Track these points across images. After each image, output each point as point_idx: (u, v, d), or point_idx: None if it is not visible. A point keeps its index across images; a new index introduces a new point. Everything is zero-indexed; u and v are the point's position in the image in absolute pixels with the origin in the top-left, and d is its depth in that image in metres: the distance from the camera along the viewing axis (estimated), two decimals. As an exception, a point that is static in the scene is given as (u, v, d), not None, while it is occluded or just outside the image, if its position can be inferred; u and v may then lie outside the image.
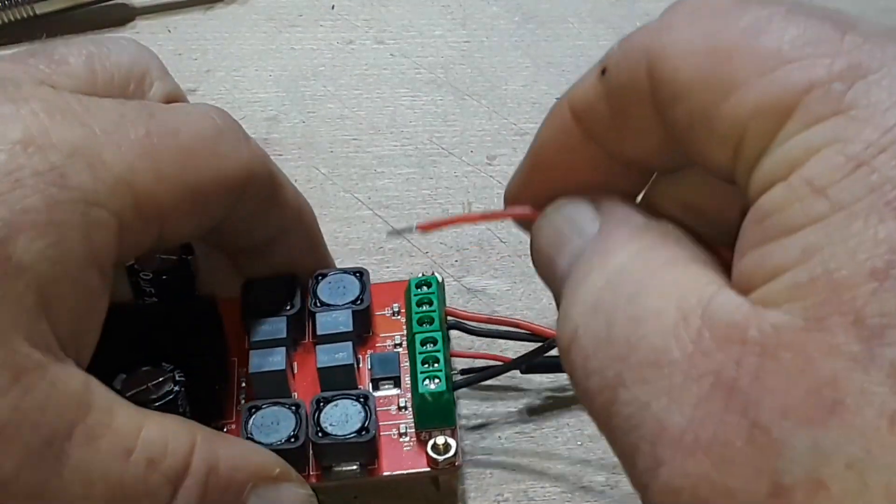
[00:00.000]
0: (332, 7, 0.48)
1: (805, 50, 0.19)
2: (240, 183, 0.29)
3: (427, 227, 0.27)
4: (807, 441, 0.17)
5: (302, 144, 0.42)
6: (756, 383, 0.17)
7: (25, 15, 0.45)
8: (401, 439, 0.31)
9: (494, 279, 0.38)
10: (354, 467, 0.30)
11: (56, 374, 0.24)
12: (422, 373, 0.31)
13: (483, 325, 0.34)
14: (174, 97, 0.30)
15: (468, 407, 0.35)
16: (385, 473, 0.31)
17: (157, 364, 0.29)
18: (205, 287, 0.32)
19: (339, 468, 0.30)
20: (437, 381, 0.31)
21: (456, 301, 0.37)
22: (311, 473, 0.30)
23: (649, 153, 0.23)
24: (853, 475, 0.16)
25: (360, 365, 0.32)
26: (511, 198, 0.26)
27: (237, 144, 0.29)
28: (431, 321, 0.32)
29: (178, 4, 0.47)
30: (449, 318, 0.33)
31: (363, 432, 0.30)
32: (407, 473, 0.31)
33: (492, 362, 0.34)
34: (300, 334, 0.33)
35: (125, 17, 0.47)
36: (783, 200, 0.18)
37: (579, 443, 0.34)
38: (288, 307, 0.32)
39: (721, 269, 0.21)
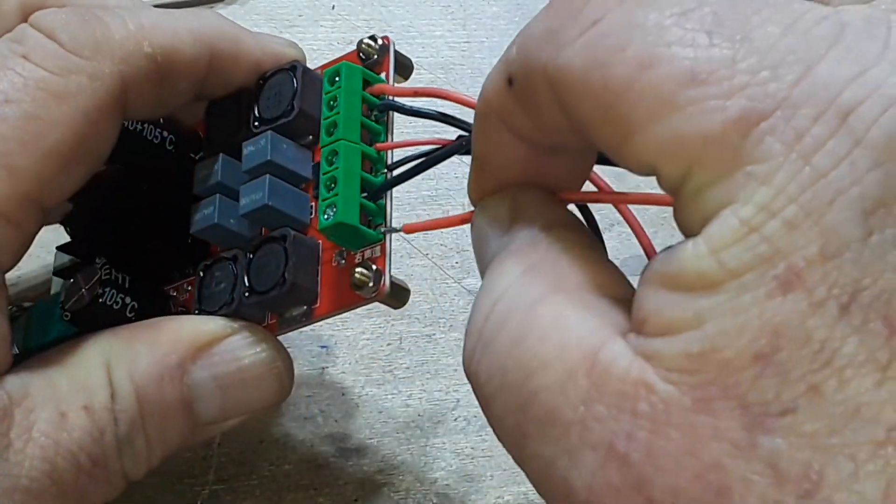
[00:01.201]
0: (333, 7, 0.47)
1: (696, 91, 0.18)
2: (112, 102, 0.26)
3: (411, 230, 0.27)
4: None
5: (302, 145, 0.42)
6: (648, 460, 0.17)
7: (25, 15, 0.45)
8: (338, 267, 0.28)
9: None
10: (301, 311, 0.28)
11: None
12: (323, 200, 0.27)
13: (415, 102, 0.30)
14: (33, 2, 0.27)
15: (470, 403, 0.35)
16: (322, 314, 0.28)
17: (89, 262, 0.28)
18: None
19: (289, 314, 0.29)
20: (333, 208, 0.27)
21: (457, 303, 0.37)
22: (269, 323, 0.29)
23: (574, 144, 0.22)
24: None
25: (310, 178, 0.29)
26: (471, 199, 0.25)
27: (94, 60, 0.25)
28: (334, 127, 0.28)
29: (178, 5, 0.47)
30: (381, 97, 0.29)
31: (280, 285, 0.27)
32: (343, 310, 0.28)
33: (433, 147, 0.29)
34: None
35: (125, 16, 0.47)
36: (688, 254, 0.18)
37: (580, 445, 0.34)
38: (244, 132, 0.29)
39: (618, 286, 0.21)
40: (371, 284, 0.27)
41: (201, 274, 0.29)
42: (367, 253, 0.28)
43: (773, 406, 0.17)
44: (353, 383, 0.36)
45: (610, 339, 0.19)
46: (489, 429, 0.35)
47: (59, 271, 0.32)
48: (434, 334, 0.37)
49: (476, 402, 0.35)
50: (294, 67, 0.29)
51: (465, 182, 0.41)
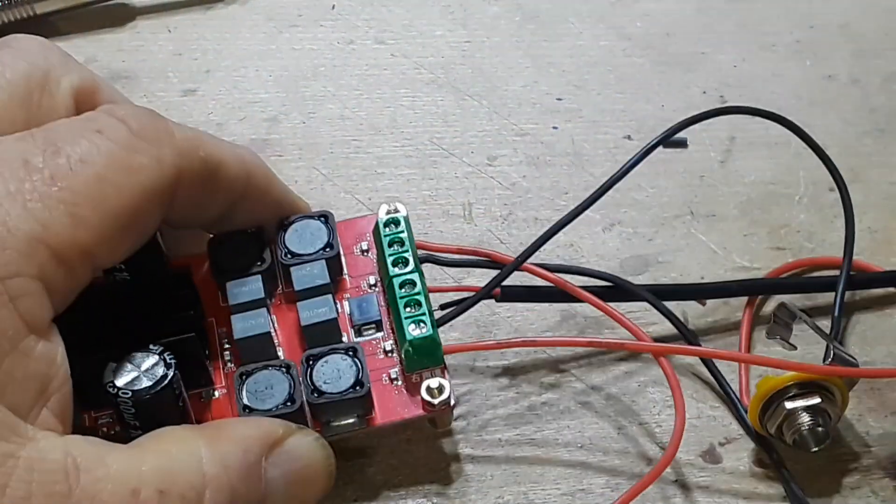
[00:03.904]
0: (333, 7, 0.47)
1: None
2: (168, 187, 0.28)
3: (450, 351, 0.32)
4: None
5: (302, 145, 0.42)
6: None
7: (25, 15, 0.45)
8: (392, 385, 0.31)
9: (495, 280, 0.38)
10: (352, 420, 0.31)
11: (30, 455, 0.24)
12: (406, 318, 0.31)
13: (454, 256, 0.34)
14: (86, 88, 0.29)
15: (471, 404, 0.35)
16: (382, 423, 0.31)
17: (143, 347, 0.29)
18: (172, 248, 0.32)
19: (338, 423, 0.31)
20: (423, 325, 0.31)
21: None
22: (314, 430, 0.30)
23: None
24: None
25: (340, 311, 0.32)
26: None
27: (157, 147, 0.28)
28: (406, 262, 0.32)
29: (178, 4, 0.47)
30: (420, 251, 0.33)
31: (358, 387, 0.30)
32: (403, 420, 0.31)
33: (468, 294, 0.33)
34: (273, 287, 0.33)
35: (125, 17, 0.47)
36: None
37: (580, 445, 0.34)
38: (259, 262, 0.32)
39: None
40: (443, 399, 0.31)
41: (242, 378, 0.30)
42: (425, 374, 0.31)
43: None
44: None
45: None
46: (489, 428, 0.35)
47: None
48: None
49: (476, 403, 0.35)
50: (326, 216, 0.33)
51: (464, 182, 0.42)
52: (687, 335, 0.36)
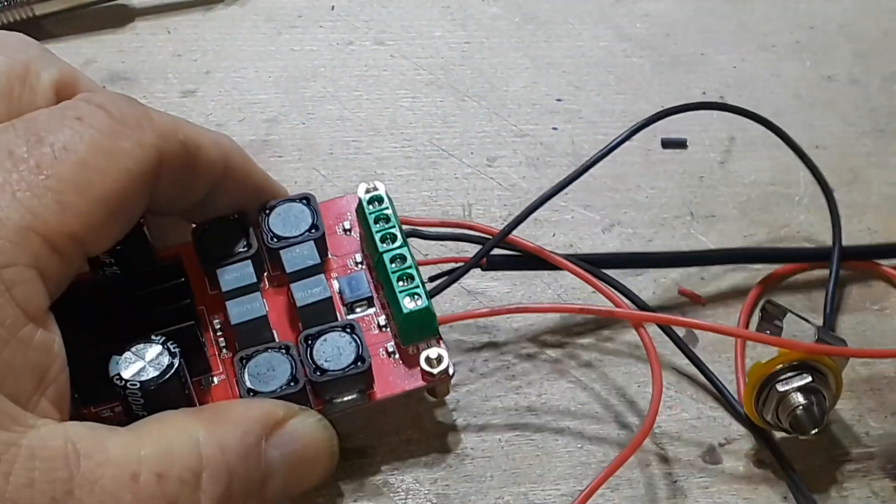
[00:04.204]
0: (332, 8, 0.47)
1: None
2: (151, 169, 0.28)
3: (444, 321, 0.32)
4: None
5: (301, 146, 0.42)
6: None
7: (25, 16, 0.45)
8: (390, 358, 0.32)
9: (495, 280, 0.38)
10: (354, 396, 0.31)
11: (31, 444, 0.24)
12: (401, 292, 0.31)
13: (438, 229, 0.35)
14: (66, 79, 0.30)
15: (471, 405, 0.35)
16: (383, 396, 0.31)
17: (145, 338, 0.29)
18: (157, 240, 0.32)
19: (340, 399, 0.31)
20: (417, 298, 0.31)
21: (456, 304, 0.37)
22: (313, 409, 0.30)
23: None
24: None
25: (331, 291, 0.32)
26: None
27: (137, 131, 0.28)
28: (394, 238, 0.32)
29: (177, 5, 0.47)
30: (404, 226, 0.33)
31: (359, 363, 0.30)
32: (404, 392, 0.31)
33: (455, 265, 0.34)
34: (261, 272, 0.33)
35: (125, 17, 0.47)
36: None
37: (579, 445, 0.34)
38: (244, 247, 0.32)
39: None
40: (442, 368, 0.31)
41: (243, 362, 0.30)
42: (422, 346, 0.32)
43: None
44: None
45: None
46: (489, 429, 0.35)
47: None
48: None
49: (476, 403, 0.35)
50: (308, 198, 0.33)
51: (464, 183, 0.42)
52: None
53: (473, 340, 0.36)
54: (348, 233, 0.34)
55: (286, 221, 0.33)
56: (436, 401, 0.34)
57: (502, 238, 0.34)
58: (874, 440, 0.34)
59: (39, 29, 0.45)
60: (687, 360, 0.36)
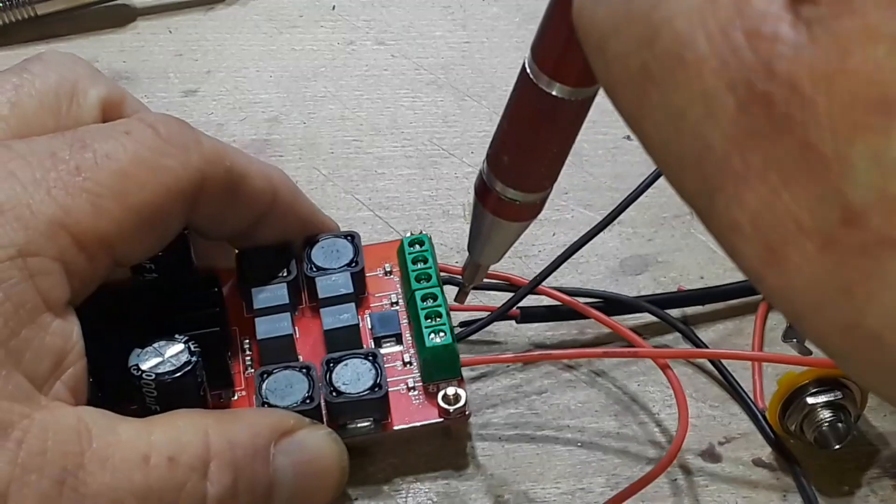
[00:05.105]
0: (333, 8, 0.48)
1: None
2: (191, 189, 0.28)
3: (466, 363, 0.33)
4: (867, 154, 0.14)
5: (302, 145, 0.42)
6: (794, 98, 0.15)
7: (27, 16, 0.45)
8: (409, 393, 0.32)
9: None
10: (368, 423, 0.31)
11: (44, 418, 0.25)
12: (427, 328, 0.32)
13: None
14: (113, 99, 0.30)
15: (471, 403, 0.35)
16: (398, 427, 0.32)
17: (169, 336, 0.29)
18: (201, 260, 0.32)
19: (354, 425, 0.31)
20: (442, 334, 0.32)
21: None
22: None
23: None
24: None
25: (361, 325, 0.33)
26: None
27: (183, 152, 0.28)
28: (429, 278, 0.33)
29: (178, 5, 0.47)
30: (441, 273, 0.34)
31: (376, 389, 0.31)
32: (419, 426, 0.32)
33: (486, 314, 0.35)
34: (297, 300, 0.33)
35: (126, 17, 0.47)
36: None
37: (580, 444, 0.34)
38: (284, 274, 0.33)
39: None
40: (458, 406, 0.32)
41: (263, 377, 0.31)
42: (442, 385, 0.32)
43: None
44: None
45: None
46: (489, 428, 0.35)
47: None
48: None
49: (476, 402, 0.35)
50: (353, 236, 0.34)
51: (464, 182, 0.42)
52: (693, 338, 0.36)
53: (474, 340, 0.36)
54: (389, 275, 0.35)
55: (328, 255, 0.33)
56: (453, 441, 0.34)
57: (531, 290, 0.35)
58: (874, 440, 0.35)
59: (41, 29, 0.45)
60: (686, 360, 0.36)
